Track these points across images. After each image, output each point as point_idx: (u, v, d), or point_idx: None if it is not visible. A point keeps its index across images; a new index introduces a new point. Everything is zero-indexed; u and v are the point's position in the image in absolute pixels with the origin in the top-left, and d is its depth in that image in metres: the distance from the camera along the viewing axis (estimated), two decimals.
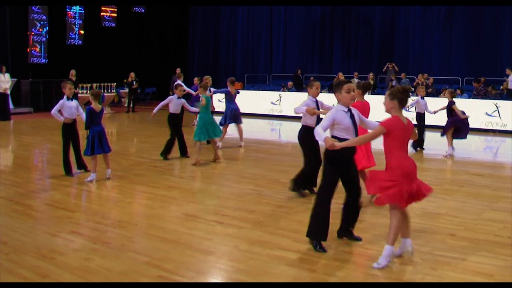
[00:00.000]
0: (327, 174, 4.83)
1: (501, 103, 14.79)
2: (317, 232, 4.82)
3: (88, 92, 18.27)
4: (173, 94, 9.74)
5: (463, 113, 10.10)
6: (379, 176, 4.43)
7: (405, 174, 4.32)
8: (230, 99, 10.96)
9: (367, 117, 6.08)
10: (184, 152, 9.64)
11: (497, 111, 14.68)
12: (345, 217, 5.08)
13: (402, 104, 4.42)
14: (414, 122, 10.07)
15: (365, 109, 6.25)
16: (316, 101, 6.58)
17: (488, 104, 14.97)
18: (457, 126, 10.15)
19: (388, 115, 4.46)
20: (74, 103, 7.82)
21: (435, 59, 20.15)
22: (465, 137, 10.30)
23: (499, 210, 6.22)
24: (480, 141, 13.30)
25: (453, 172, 8.96)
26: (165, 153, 9.46)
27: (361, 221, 5.32)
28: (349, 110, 4.88)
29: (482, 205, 6.47)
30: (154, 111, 9.66)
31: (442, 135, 10.32)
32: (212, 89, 11.20)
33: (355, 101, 6.12)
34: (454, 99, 10.40)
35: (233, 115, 10.90)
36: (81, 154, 7.97)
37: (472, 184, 7.81)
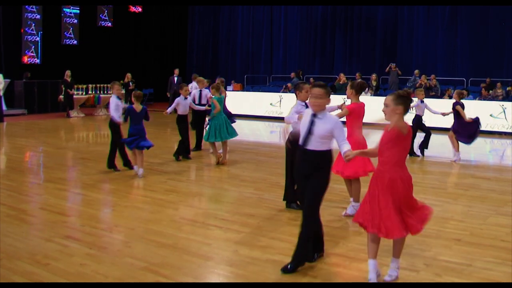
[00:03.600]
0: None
1: (507, 104, 14.53)
2: None
3: (84, 93, 18.34)
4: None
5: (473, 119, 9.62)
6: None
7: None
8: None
9: (362, 119, 5.77)
10: (186, 153, 9.61)
11: (503, 113, 14.44)
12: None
13: (407, 110, 4.03)
14: (411, 124, 9.90)
15: (360, 112, 5.84)
16: (306, 105, 5.86)
17: (493, 106, 14.73)
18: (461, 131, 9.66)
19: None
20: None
21: (439, 60, 19.85)
22: (470, 142, 9.84)
23: (506, 215, 6.11)
24: (486, 143, 13.11)
25: (458, 176, 8.83)
26: (177, 153, 9.55)
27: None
28: (314, 115, 4.31)
29: (488, 210, 6.35)
30: (168, 110, 9.42)
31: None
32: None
33: (350, 102, 5.89)
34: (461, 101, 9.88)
35: None
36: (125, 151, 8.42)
37: (478, 187, 7.69)
